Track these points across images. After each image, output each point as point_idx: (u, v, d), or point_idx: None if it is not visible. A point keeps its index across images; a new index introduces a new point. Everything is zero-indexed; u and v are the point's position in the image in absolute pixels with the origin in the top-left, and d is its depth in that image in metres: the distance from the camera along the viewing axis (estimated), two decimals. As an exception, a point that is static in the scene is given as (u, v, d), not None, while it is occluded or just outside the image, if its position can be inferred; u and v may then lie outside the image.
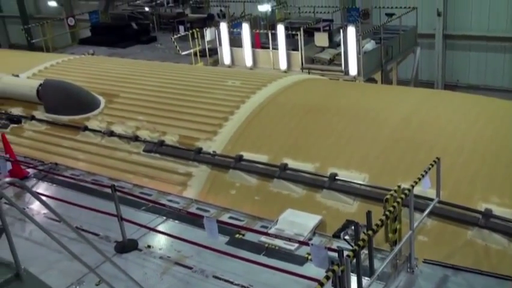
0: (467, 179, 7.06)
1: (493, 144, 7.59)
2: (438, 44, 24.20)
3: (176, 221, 7.36)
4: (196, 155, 8.87)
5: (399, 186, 5.78)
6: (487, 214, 6.46)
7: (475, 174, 7.10)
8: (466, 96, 11.25)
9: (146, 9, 29.06)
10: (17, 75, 12.31)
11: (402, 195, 5.54)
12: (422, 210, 6.20)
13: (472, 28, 23.62)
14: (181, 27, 23.96)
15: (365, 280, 5.11)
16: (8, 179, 5.24)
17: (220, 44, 19.84)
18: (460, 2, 23.58)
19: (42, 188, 8.85)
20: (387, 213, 5.34)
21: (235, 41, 19.70)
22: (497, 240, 6.35)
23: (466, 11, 23.59)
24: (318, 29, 19.31)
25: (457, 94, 12.38)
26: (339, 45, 17.89)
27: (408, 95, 10.51)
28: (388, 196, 5.65)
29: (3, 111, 11.69)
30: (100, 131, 10.12)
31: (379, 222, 5.12)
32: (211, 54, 20.57)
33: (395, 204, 5.46)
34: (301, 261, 6.21)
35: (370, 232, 4.99)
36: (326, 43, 18.53)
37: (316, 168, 7.95)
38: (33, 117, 11.16)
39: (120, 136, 9.85)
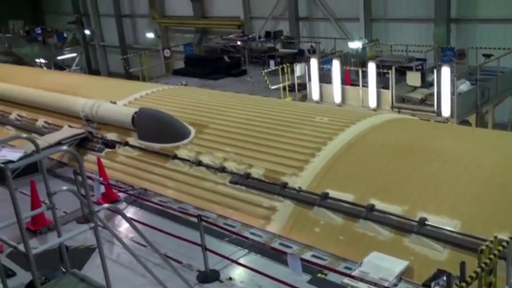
0: None
1: None
2: (540, 87, 23.00)
3: (259, 255, 7.33)
4: (281, 190, 8.83)
5: (495, 237, 5.44)
6: None
7: None
8: None
9: (238, 43, 29.84)
10: (115, 102, 12.92)
11: (500, 247, 5.21)
12: (520, 265, 5.79)
13: None
14: (272, 62, 24.39)
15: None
16: (106, 205, 5.45)
17: (310, 80, 19.94)
18: None
19: (131, 212, 9.15)
20: (482, 265, 5.03)
21: (325, 77, 19.74)
22: None
23: None
24: (410, 68, 18.98)
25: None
26: (431, 85, 17.47)
27: (505, 140, 9.99)
28: (483, 247, 5.33)
29: (99, 136, 12.28)
30: (188, 160, 10.35)
31: (473, 275, 4.83)
32: (300, 89, 20.71)
33: (491, 256, 5.14)
34: (386, 308, 5.96)
35: (464, 284, 4.71)
36: (418, 82, 18.16)
37: (404, 211, 7.67)
38: (126, 143, 11.63)
39: (207, 166, 10.02)
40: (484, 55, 19.98)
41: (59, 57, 41.98)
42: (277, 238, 7.87)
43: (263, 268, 6.85)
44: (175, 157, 10.58)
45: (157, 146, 11.08)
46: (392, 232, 7.53)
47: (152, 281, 6.23)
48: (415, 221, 7.38)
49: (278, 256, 6.94)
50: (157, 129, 11.28)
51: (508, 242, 5.22)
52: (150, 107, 12.24)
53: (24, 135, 6.65)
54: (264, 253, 7.30)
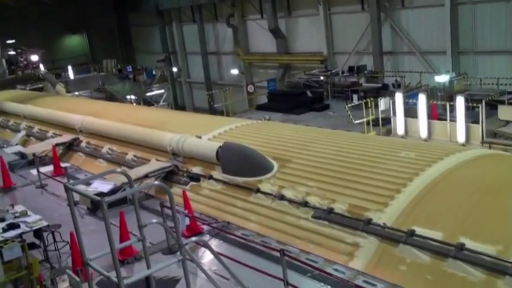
0: None
1: None
2: None
3: (341, 292, 7.17)
4: (365, 226, 8.63)
5: None
6: None
7: None
8: None
9: (321, 78, 29.93)
10: (200, 137, 13.28)
11: None
12: None
13: None
14: (355, 96, 24.27)
15: None
16: (194, 238, 5.58)
17: (395, 114, 19.61)
18: None
19: (214, 244, 9.24)
20: None
21: (410, 112, 19.35)
22: None
23: None
24: (502, 102, 18.22)
25: None
26: (525, 119, 16.66)
27: None
28: None
29: (185, 169, 12.62)
30: (271, 194, 10.38)
31: None
32: (384, 123, 20.39)
33: None
34: None
35: None
36: (511, 117, 17.38)
37: (498, 252, 7.24)
38: (211, 177, 11.86)
39: (290, 201, 9.99)
40: None
41: (148, 94, 43.97)
42: (361, 275, 7.67)
43: (345, 306, 6.68)
44: (258, 191, 10.65)
45: (240, 179, 11.21)
46: (485, 273, 7.13)
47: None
48: (510, 262, 6.96)
49: (363, 294, 6.75)
50: (240, 163, 11.44)
51: None
52: (234, 141, 12.46)
53: (118, 169, 6.98)
54: (346, 290, 7.13)
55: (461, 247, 7.46)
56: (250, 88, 32.69)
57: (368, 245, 8.39)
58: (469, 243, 7.50)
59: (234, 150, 11.80)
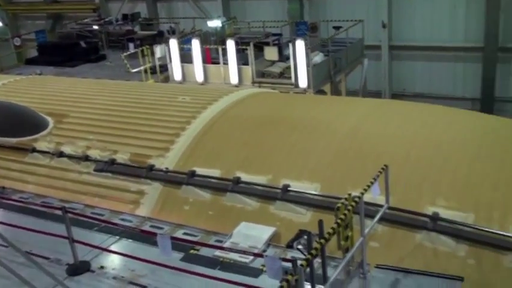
0: (414, 184, 7.26)
1: (438, 149, 7.84)
2: (385, 54, 24.90)
3: (130, 240, 7.27)
4: (148, 172, 8.79)
5: (349, 195, 5.87)
6: (434, 217, 6.66)
7: (421, 180, 7.31)
8: (411, 104, 11.59)
9: (95, 27, 28.73)
10: (-39, 98, 11.96)
11: (353, 203, 5.65)
12: (372, 217, 6.32)
13: (416, 39, 24.42)
14: (131, 45, 23.83)
15: (319, 288, 5.16)
16: None
17: (171, 61, 19.81)
18: (404, 14, 24.34)
19: (-11, 212, 8.60)
20: (338, 221, 5.43)
21: (186, 57, 19.72)
22: (444, 242, 6.54)
23: (410, 23, 24.39)
24: (267, 43, 19.56)
25: (403, 103, 12.74)
26: (288, 58, 18.15)
27: (356, 106, 10.74)
28: (339, 204, 5.75)
29: None
30: (48, 152, 9.91)
31: (331, 231, 5.20)
32: (161, 71, 20.52)
33: (346, 212, 5.57)
34: (256, 273, 6.23)
35: (322, 240, 5.06)
36: (275, 57, 18.81)
37: (269, 181, 8.01)
38: (-22, 141, 10.85)
39: (70, 156, 9.67)
40: (334, 27, 21.15)
41: None
42: (148, 221, 7.86)
43: (135, 252, 6.81)
44: (34, 150, 10.07)
45: (13, 140, 10.45)
46: (259, 201, 7.85)
47: (18, 282, 5.97)
48: (279, 189, 7.75)
49: (150, 238, 6.92)
50: (11, 123, 10.63)
51: (359, 198, 5.67)
52: (1, 100, 11.48)
53: None
54: (135, 237, 7.24)
55: (237, 181, 8.06)
56: (17, 41, 30.02)
57: (152, 191, 8.59)
58: (244, 177, 8.15)
59: (2, 108, 10.88)
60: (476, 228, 6.50)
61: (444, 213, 6.72)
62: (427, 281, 5.90)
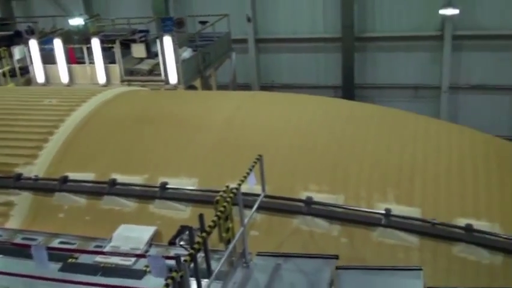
0: (288, 171, 7.58)
1: (307, 136, 8.25)
2: (251, 48, 25.48)
3: (1, 256, 6.83)
4: (16, 182, 8.30)
5: (227, 187, 6.00)
6: (308, 201, 7.02)
7: (294, 167, 7.65)
8: (280, 95, 12.05)
9: None
10: None
11: (231, 195, 5.78)
12: (251, 207, 6.50)
13: (280, 31, 25.24)
14: (-16, 47, 22.14)
15: (204, 282, 5.23)
16: None
17: (32, 62, 18.73)
18: (267, 7, 25.05)
19: None
20: (218, 213, 5.54)
21: (48, 58, 18.72)
22: (319, 224, 6.92)
23: (273, 16, 25.13)
24: (134, 40, 19.16)
25: (272, 94, 13.20)
26: (157, 55, 17.95)
27: (228, 99, 10.94)
28: (218, 197, 5.85)
29: None
30: None
31: (212, 224, 5.29)
32: (22, 73, 19.34)
33: (225, 204, 5.68)
34: (140, 274, 6.16)
35: (204, 234, 5.13)
36: (143, 54, 18.53)
37: (146, 180, 7.93)
38: None
39: None
40: (200, 22, 21.25)
41: None
42: (20, 233, 7.43)
43: (8, 268, 6.41)
44: None
45: None
46: (137, 202, 7.75)
47: None
48: (157, 187, 7.70)
49: (23, 251, 6.55)
50: None
51: (237, 189, 5.81)
52: None
53: None
54: (7, 252, 6.82)
55: (113, 183, 7.88)
56: None
57: (22, 201, 8.13)
58: (121, 178, 7.99)
59: None
60: (347, 208, 6.96)
61: (317, 196, 7.10)
62: (306, 262, 6.19)
